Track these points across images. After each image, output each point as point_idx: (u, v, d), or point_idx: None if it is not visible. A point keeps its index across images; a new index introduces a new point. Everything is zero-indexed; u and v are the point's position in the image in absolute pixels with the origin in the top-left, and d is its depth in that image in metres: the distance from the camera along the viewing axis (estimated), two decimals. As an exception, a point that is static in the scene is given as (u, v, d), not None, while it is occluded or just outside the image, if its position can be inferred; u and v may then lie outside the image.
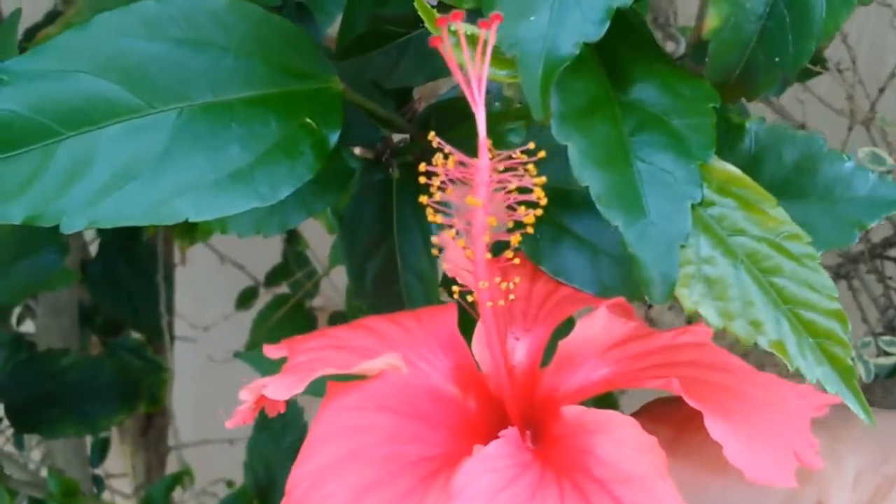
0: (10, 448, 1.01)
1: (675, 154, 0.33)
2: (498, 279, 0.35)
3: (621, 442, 0.31)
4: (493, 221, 0.34)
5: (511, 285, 0.36)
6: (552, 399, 0.37)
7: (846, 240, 0.36)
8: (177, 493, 1.13)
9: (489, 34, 0.32)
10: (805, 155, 0.37)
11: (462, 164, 0.34)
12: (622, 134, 0.34)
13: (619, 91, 0.35)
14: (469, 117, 0.48)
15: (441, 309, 0.39)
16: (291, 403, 0.91)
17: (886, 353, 0.69)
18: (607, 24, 0.32)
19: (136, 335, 1.06)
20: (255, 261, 1.22)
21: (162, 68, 0.36)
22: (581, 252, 0.39)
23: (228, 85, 0.37)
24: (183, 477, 0.98)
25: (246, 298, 1.21)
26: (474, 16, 0.36)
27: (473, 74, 0.33)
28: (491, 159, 0.33)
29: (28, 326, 1.03)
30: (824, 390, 0.32)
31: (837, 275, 0.86)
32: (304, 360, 0.36)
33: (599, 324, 0.36)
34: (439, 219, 0.35)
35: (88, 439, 1.05)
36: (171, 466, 1.16)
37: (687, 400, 0.30)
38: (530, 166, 0.33)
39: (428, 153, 0.48)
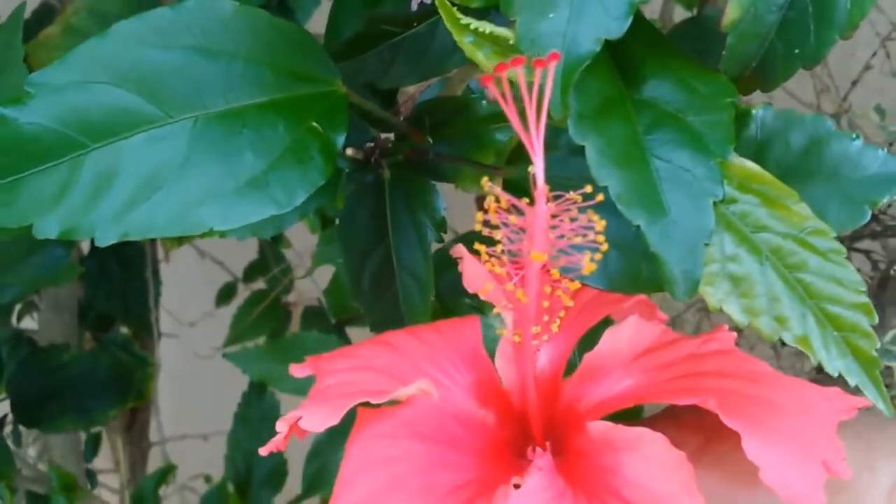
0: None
1: (693, 151, 0.33)
2: (546, 318, 0.35)
3: (649, 460, 0.31)
4: (556, 273, 0.34)
5: (557, 321, 0.35)
6: (575, 411, 0.36)
7: (858, 218, 0.36)
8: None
9: (545, 78, 0.32)
10: (812, 138, 0.37)
11: (515, 207, 0.33)
12: (637, 133, 0.34)
13: (632, 89, 0.35)
14: (461, 113, 0.48)
15: (463, 322, 0.39)
16: (268, 396, 0.92)
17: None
18: (630, 20, 0.32)
19: (123, 330, 1.06)
20: (234, 257, 1.22)
21: (177, 77, 0.36)
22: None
23: (239, 91, 0.37)
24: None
25: (226, 294, 1.20)
26: (480, 14, 0.36)
27: (532, 123, 0.32)
28: (547, 203, 0.32)
29: (26, 322, 1.02)
30: (849, 391, 0.32)
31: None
32: (334, 383, 0.36)
33: (626, 334, 0.36)
34: (496, 267, 0.34)
35: (82, 435, 1.04)
36: (154, 461, 1.15)
37: (723, 419, 0.30)
38: (590, 213, 0.33)
39: (420, 151, 0.48)
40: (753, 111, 0.37)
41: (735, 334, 0.35)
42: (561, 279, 0.34)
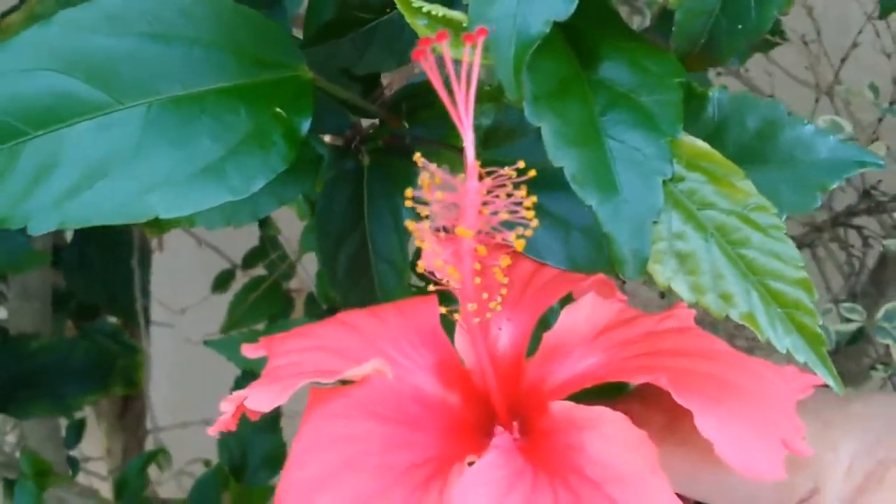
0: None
1: (645, 131, 0.34)
2: (486, 296, 0.35)
3: (612, 438, 0.31)
4: (483, 250, 0.34)
5: (499, 298, 0.35)
6: (539, 391, 0.36)
7: (809, 203, 0.36)
8: (155, 474, 1.13)
9: (474, 54, 0.32)
10: (767, 121, 0.37)
11: (449, 184, 0.33)
12: (593, 113, 0.34)
13: (589, 70, 0.35)
14: (438, 98, 0.48)
15: (422, 301, 0.39)
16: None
17: (848, 320, 0.70)
18: (576, 2, 0.32)
19: (112, 319, 1.06)
20: (232, 244, 1.22)
21: (129, 64, 0.36)
22: (554, 229, 0.39)
23: (198, 77, 0.37)
24: (159, 457, 0.99)
25: (223, 281, 1.20)
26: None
27: (459, 96, 0.32)
28: (480, 180, 0.33)
29: None
30: (808, 370, 0.32)
31: (801, 244, 0.87)
32: (285, 363, 0.36)
33: (584, 312, 0.36)
34: (427, 244, 0.34)
35: (64, 422, 1.05)
36: (150, 449, 1.16)
37: (675, 397, 0.31)
38: (521, 188, 0.33)
39: (398, 137, 0.48)
40: (710, 93, 0.37)
41: (693, 311, 0.35)
42: (495, 256, 0.34)
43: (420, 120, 0.47)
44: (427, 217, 0.34)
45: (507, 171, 0.33)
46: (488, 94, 0.40)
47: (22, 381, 0.89)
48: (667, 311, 0.35)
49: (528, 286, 0.39)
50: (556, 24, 0.33)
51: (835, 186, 0.35)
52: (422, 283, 0.40)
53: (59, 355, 0.90)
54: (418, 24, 0.35)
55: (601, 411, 0.32)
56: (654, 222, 0.32)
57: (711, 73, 0.87)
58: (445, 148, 0.48)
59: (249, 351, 0.38)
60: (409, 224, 0.34)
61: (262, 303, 1.14)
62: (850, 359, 0.84)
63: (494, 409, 0.36)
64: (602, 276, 0.37)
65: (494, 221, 0.33)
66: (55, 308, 1.01)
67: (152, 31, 0.37)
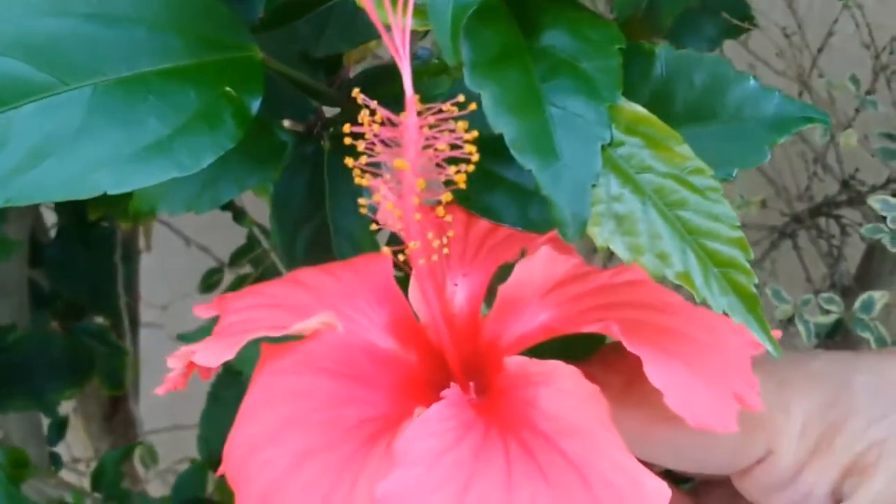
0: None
1: (586, 97, 0.34)
2: (431, 235, 0.35)
3: (564, 393, 0.31)
4: (423, 183, 0.33)
5: (444, 240, 0.35)
6: (495, 348, 0.36)
7: (758, 158, 0.37)
8: (140, 473, 1.13)
9: None
10: (714, 77, 0.37)
11: (390, 121, 0.33)
12: (534, 80, 0.34)
13: (531, 38, 0.35)
14: (395, 79, 0.48)
15: (376, 257, 0.39)
16: (246, 378, 0.91)
17: (826, 312, 0.69)
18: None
19: (98, 320, 1.06)
20: (221, 244, 1.22)
21: (72, 44, 0.36)
22: (511, 196, 0.39)
23: (143, 58, 0.37)
24: (144, 455, 0.98)
25: (211, 280, 1.20)
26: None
27: (396, 27, 0.32)
28: (419, 115, 0.33)
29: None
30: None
31: (783, 234, 0.87)
32: (236, 320, 0.36)
33: (539, 265, 0.36)
34: (367, 181, 0.34)
35: (46, 421, 1.05)
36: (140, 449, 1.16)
37: (626, 345, 0.31)
38: (460, 122, 0.33)
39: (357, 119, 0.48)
40: (657, 50, 0.38)
41: None
42: (438, 193, 0.34)
43: (377, 97, 0.47)
44: (366, 153, 0.34)
45: (447, 106, 0.33)
46: (436, 68, 0.41)
47: (-2, 373, 0.89)
48: (621, 265, 0.35)
49: (484, 243, 0.39)
50: (499, -7, 0.33)
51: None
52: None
53: (35, 349, 0.90)
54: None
55: (555, 365, 0.32)
56: (594, 186, 0.32)
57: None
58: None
59: (202, 311, 0.38)
60: (349, 161, 0.34)
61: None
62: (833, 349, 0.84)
63: (450, 368, 0.36)
64: (557, 234, 0.37)
65: (436, 158, 0.33)
66: (40, 307, 1.00)
67: (94, 12, 0.37)
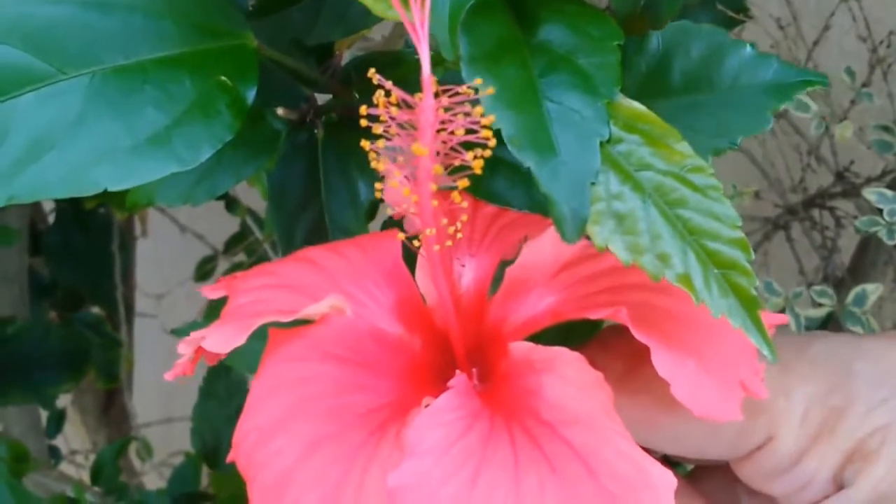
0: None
1: (583, 93, 0.33)
2: (445, 222, 0.34)
3: (568, 381, 0.31)
4: (440, 169, 0.33)
5: (458, 225, 0.35)
6: (500, 332, 0.36)
7: (760, 124, 0.37)
8: (137, 465, 1.13)
9: None
10: (711, 47, 0.38)
11: (405, 103, 0.32)
12: (532, 76, 0.34)
13: (528, 33, 0.35)
14: (390, 68, 0.48)
15: (384, 236, 0.38)
16: (235, 373, 0.91)
17: (818, 305, 0.69)
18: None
19: (95, 311, 1.06)
20: (216, 231, 1.22)
21: (68, 32, 0.36)
22: (515, 180, 0.39)
23: (139, 46, 0.37)
24: (140, 448, 0.99)
25: (205, 269, 1.20)
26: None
27: (416, 7, 0.31)
28: (436, 97, 0.32)
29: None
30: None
31: (776, 225, 0.87)
32: (245, 301, 0.36)
33: (548, 245, 0.36)
34: (382, 166, 0.33)
35: (45, 414, 1.05)
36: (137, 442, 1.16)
37: (634, 333, 0.31)
38: (478, 107, 0.32)
39: (352, 109, 0.48)
40: (652, 28, 0.37)
41: None
42: (454, 178, 0.33)
43: (370, 91, 0.47)
44: (382, 136, 0.33)
45: (464, 89, 0.32)
46: (433, 59, 0.40)
47: (-3, 365, 0.88)
48: None
49: (493, 224, 0.38)
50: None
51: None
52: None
53: (33, 341, 0.89)
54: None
55: (558, 352, 0.32)
56: (592, 183, 0.32)
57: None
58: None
59: (211, 291, 0.37)
60: (365, 144, 0.33)
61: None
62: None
63: (455, 353, 0.36)
64: None
65: (452, 141, 0.32)
66: (39, 297, 1.00)
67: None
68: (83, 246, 1.00)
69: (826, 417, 0.36)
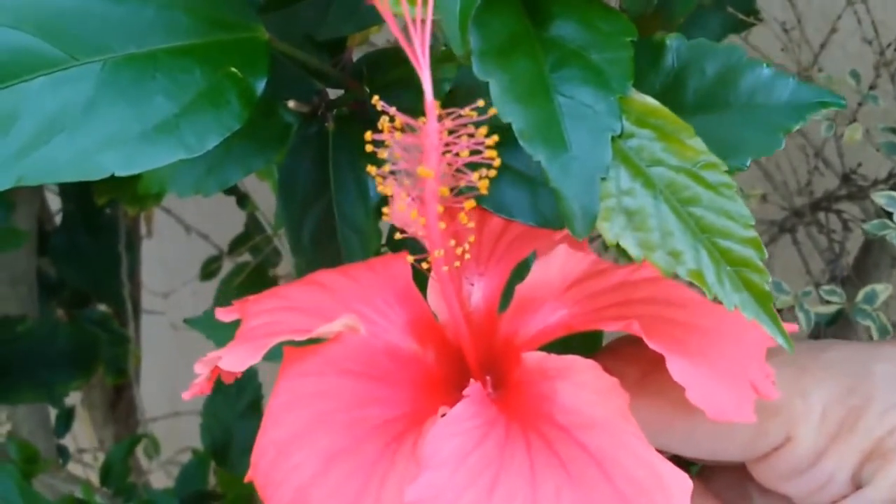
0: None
1: (595, 88, 0.33)
2: (453, 243, 0.34)
3: (583, 386, 0.31)
4: (446, 191, 0.33)
5: (466, 245, 0.35)
6: (512, 344, 0.37)
7: (773, 145, 0.36)
8: (145, 464, 1.13)
9: None
10: (726, 66, 0.37)
11: (409, 127, 0.33)
12: (543, 70, 0.34)
13: (539, 28, 0.35)
14: (401, 64, 0.48)
15: (393, 259, 0.39)
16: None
17: (827, 303, 0.69)
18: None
19: (102, 308, 1.06)
20: (221, 231, 1.22)
21: (81, 20, 0.36)
22: (520, 186, 0.39)
23: (151, 36, 0.37)
24: (147, 446, 0.98)
25: (210, 268, 1.20)
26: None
27: (415, 33, 0.31)
28: (439, 121, 0.32)
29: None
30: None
31: (782, 228, 0.87)
32: (258, 324, 0.36)
33: (556, 264, 0.36)
34: (389, 189, 0.34)
35: (54, 412, 1.05)
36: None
37: (647, 342, 0.31)
38: (481, 128, 0.32)
39: (363, 103, 0.48)
40: (668, 41, 0.37)
41: None
42: (460, 199, 0.33)
43: (381, 86, 0.47)
44: (387, 161, 0.33)
45: (467, 111, 0.32)
46: (445, 54, 0.40)
47: (7, 366, 0.88)
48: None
49: (499, 241, 0.39)
50: (508, -20, 0.33)
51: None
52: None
53: (43, 339, 0.90)
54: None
55: (572, 360, 0.32)
56: (603, 178, 0.32)
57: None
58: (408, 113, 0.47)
59: (223, 314, 0.38)
60: (371, 169, 0.33)
61: (249, 288, 1.13)
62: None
63: (468, 364, 0.37)
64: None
65: (457, 163, 0.33)
66: (46, 296, 1.00)
67: (102, -12, 0.37)
68: (89, 246, 1.01)
69: (844, 417, 0.36)
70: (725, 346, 0.33)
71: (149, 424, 1.14)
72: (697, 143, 0.32)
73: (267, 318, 0.37)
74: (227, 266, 1.20)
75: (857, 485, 0.37)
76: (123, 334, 1.03)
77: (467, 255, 0.35)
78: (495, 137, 0.32)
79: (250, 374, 0.92)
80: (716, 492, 0.42)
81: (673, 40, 0.37)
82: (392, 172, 0.33)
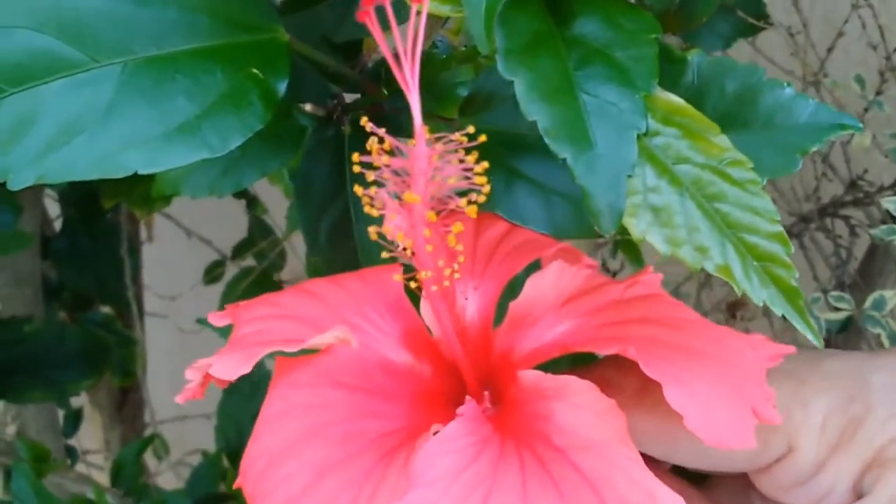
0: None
1: (620, 86, 0.33)
2: (441, 263, 0.34)
3: (580, 407, 0.31)
4: (433, 216, 0.33)
5: (455, 266, 0.35)
6: (508, 361, 0.36)
7: (790, 166, 0.36)
8: (153, 465, 1.13)
9: (422, 8, 0.32)
10: (746, 85, 0.37)
11: (399, 150, 0.33)
12: (567, 68, 0.34)
13: (563, 26, 0.35)
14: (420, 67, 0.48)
15: (385, 270, 0.38)
16: (259, 365, 0.91)
17: (836, 309, 0.69)
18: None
19: (106, 310, 1.06)
20: (222, 236, 1.22)
21: (103, 22, 0.36)
22: (534, 194, 0.39)
23: (172, 37, 0.37)
24: (156, 447, 0.98)
25: (214, 272, 1.20)
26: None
27: (405, 55, 0.32)
28: (428, 145, 0.32)
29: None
30: (774, 340, 0.32)
31: (789, 234, 0.87)
32: (250, 331, 0.36)
33: (550, 280, 0.36)
34: (375, 211, 0.34)
35: (60, 411, 1.05)
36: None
37: (644, 369, 0.30)
38: (472, 154, 0.32)
39: (379, 107, 0.48)
40: (689, 57, 0.37)
41: (660, 276, 0.34)
42: (447, 222, 0.33)
43: (398, 89, 0.47)
44: (376, 183, 0.33)
45: (457, 136, 0.32)
46: (464, 55, 0.40)
47: (14, 365, 0.88)
48: (633, 276, 0.35)
49: (494, 255, 0.38)
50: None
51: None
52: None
53: (51, 340, 0.90)
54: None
55: (569, 381, 0.32)
56: (629, 176, 0.32)
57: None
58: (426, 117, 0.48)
59: (216, 319, 0.37)
60: (358, 190, 0.33)
61: (254, 292, 1.13)
62: (842, 348, 0.84)
63: (464, 379, 0.36)
64: (567, 245, 0.37)
65: (446, 188, 0.33)
66: (48, 299, 1.00)
67: (125, -10, 0.37)
68: (91, 249, 1.01)
69: (845, 427, 0.36)
70: (724, 369, 0.32)
71: (157, 426, 1.13)
72: (723, 140, 0.32)
73: (259, 325, 0.36)
74: (231, 270, 1.20)
75: (858, 494, 0.37)
76: (129, 336, 1.03)
77: (457, 275, 0.35)
78: (485, 164, 0.32)
79: (263, 376, 0.91)
80: (719, 501, 0.41)
81: (694, 56, 0.37)
82: (381, 193, 0.33)
